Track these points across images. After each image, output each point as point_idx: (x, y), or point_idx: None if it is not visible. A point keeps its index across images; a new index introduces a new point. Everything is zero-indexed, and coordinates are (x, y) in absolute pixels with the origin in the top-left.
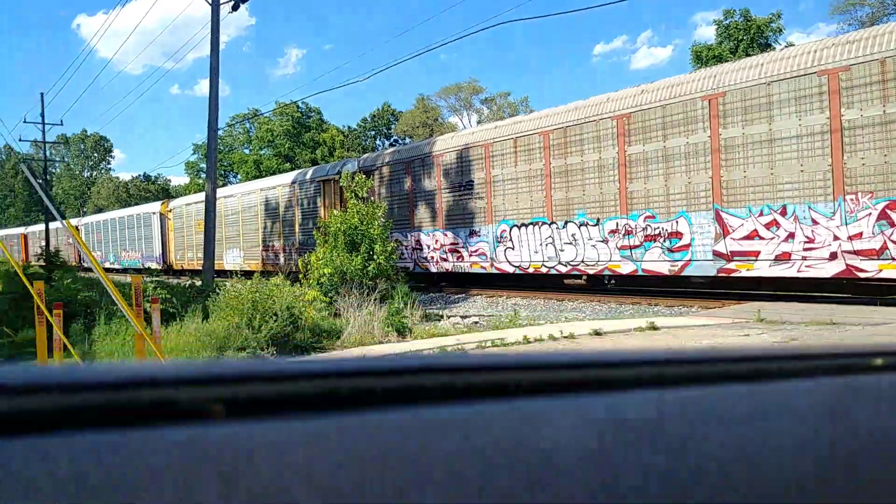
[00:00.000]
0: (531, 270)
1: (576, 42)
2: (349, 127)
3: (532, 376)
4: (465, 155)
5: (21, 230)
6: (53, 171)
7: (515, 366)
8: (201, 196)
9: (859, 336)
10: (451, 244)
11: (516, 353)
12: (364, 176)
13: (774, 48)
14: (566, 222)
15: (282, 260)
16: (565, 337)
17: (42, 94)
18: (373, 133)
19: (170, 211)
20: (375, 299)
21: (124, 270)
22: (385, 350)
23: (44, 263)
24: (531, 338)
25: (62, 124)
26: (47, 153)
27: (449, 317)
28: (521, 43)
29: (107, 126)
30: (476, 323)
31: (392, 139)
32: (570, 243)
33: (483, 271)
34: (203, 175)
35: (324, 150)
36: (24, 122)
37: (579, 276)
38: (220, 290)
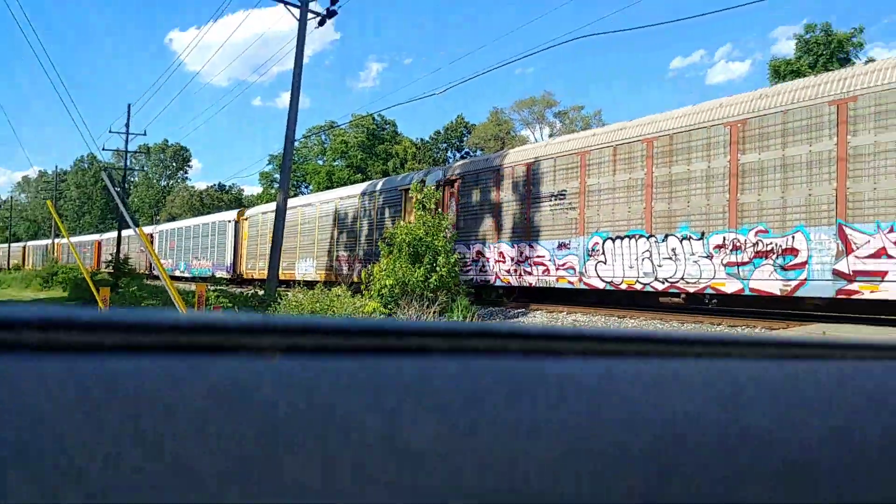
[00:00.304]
0: (623, 287)
1: (653, 56)
2: (422, 139)
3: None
4: (558, 163)
5: (96, 237)
6: (132, 179)
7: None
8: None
9: None
10: (538, 257)
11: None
12: (434, 187)
13: (854, 63)
14: (666, 235)
15: (345, 270)
16: None
17: (129, 106)
18: (445, 146)
19: (245, 219)
20: (435, 312)
21: (194, 279)
22: None
23: (112, 270)
24: None
25: (145, 134)
26: (128, 162)
27: None
28: (597, 56)
29: (188, 136)
30: None
31: (464, 151)
32: (670, 258)
33: (570, 286)
34: (277, 185)
35: (396, 161)
36: (110, 132)
37: (677, 294)
38: (281, 299)
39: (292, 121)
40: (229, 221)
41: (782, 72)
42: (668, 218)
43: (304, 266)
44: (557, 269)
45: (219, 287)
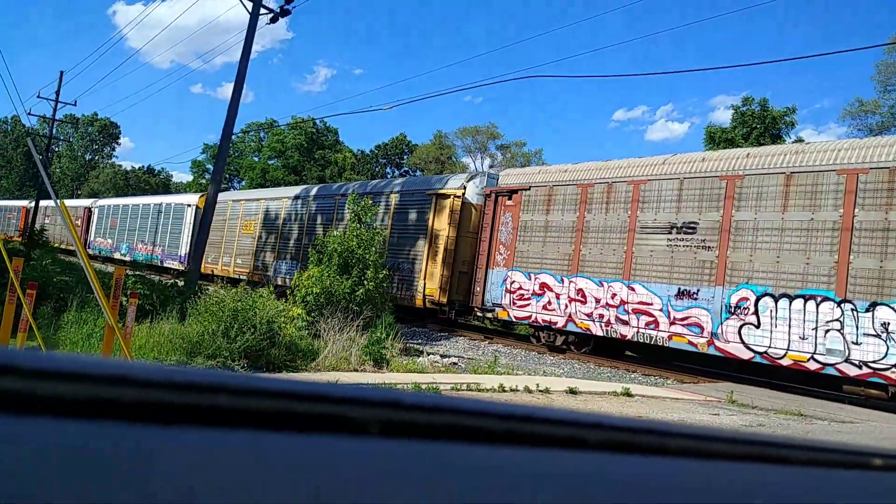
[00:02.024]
0: (785, 363)
1: (598, 104)
2: (362, 151)
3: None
4: (686, 187)
5: (24, 203)
6: (56, 149)
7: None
8: (255, 193)
9: (827, 431)
10: (641, 303)
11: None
12: (370, 200)
13: (784, 140)
14: (874, 304)
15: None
16: (541, 391)
17: (62, 73)
18: (384, 161)
19: None
20: (359, 326)
21: (136, 265)
22: (358, 379)
23: (25, 240)
24: (507, 387)
25: (75, 104)
26: (53, 131)
27: (429, 354)
28: (545, 97)
29: (120, 113)
30: (455, 364)
31: (403, 170)
32: (878, 336)
33: (691, 349)
34: (208, 175)
35: (334, 169)
36: (38, 97)
37: (883, 387)
38: (202, 292)
39: (232, 113)
40: (188, 205)
41: (717, 139)
42: (880, 280)
43: (285, 267)
44: (673, 323)
45: (137, 272)
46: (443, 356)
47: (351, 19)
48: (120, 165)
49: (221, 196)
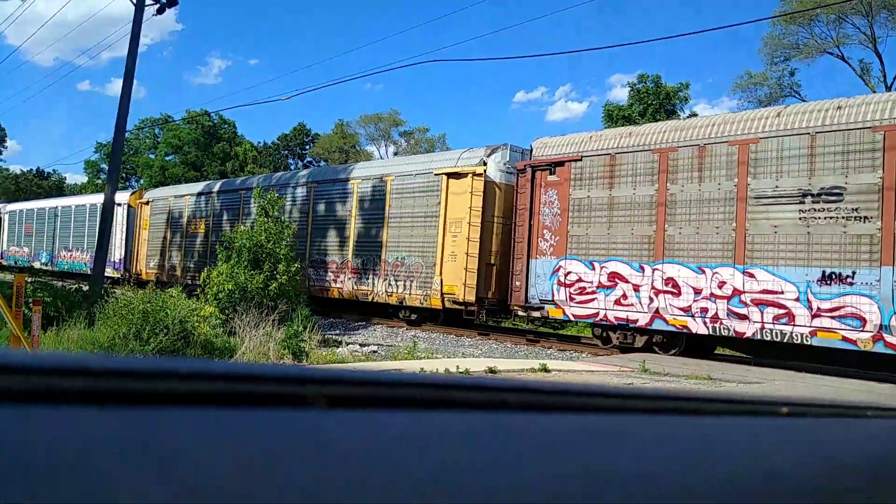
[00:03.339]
0: None
1: (499, 87)
2: (264, 143)
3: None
4: (819, 143)
5: None
6: None
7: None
8: (199, 186)
9: (735, 392)
10: (764, 291)
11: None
12: (275, 193)
13: (678, 115)
14: None
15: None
16: (460, 372)
17: None
18: (286, 153)
19: (146, 203)
20: (274, 320)
21: (63, 275)
22: None
23: None
24: (428, 371)
25: None
26: None
27: (348, 344)
28: (446, 82)
29: (5, 115)
30: (374, 352)
31: (306, 160)
32: None
33: (847, 346)
34: (103, 176)
35: (235, 163)
36: None
37: None
38: (109, 296)
39: (124, 107)
40: (118, 205)
41: (615, 116)
42: None
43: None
44: (816, 315)
45: (38, 279)
46: (362, 345)
47: (243, 7)
48: (7, 169)
49: (160, 192)
